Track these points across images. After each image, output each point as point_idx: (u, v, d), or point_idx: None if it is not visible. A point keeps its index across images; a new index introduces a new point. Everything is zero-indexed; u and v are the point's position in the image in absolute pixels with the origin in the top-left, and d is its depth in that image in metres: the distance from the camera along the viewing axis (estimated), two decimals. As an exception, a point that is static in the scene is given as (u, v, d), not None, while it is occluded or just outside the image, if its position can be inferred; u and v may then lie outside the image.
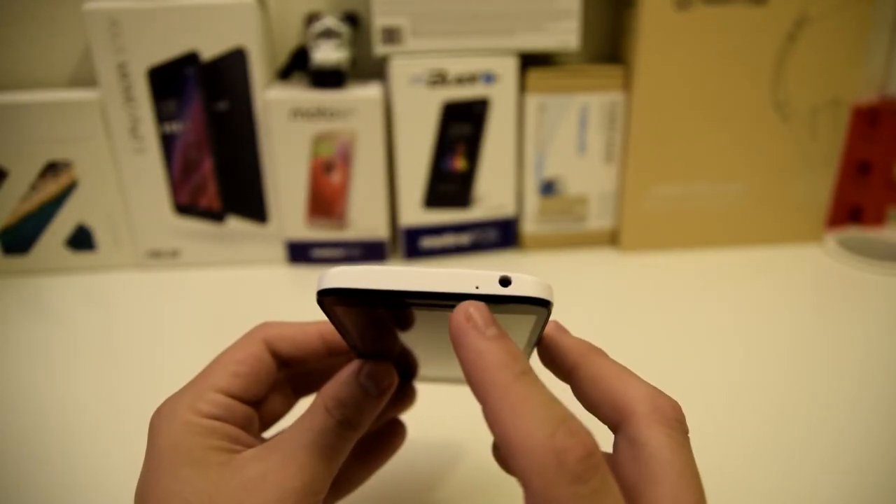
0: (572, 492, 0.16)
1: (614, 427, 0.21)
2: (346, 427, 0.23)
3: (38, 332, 0.48)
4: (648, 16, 0.52)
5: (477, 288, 0.19)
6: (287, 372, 0.27)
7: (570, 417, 0.18)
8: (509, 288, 0.19)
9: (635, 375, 0.21)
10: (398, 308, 0.21)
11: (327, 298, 0.20)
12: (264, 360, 0.25)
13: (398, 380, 0.25)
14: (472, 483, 0.33)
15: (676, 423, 0.20)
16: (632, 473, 0.19)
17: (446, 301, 0.20)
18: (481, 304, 0.19)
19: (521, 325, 0.21)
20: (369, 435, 0.28)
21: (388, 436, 0.29)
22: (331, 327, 0.27)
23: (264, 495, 0.21)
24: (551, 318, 0.22)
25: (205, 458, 0.22)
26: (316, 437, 0.22)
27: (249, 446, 0.23)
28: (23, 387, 0.42)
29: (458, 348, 0.19)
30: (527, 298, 0.19)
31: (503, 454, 0.17)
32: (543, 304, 0.20)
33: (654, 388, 0.21)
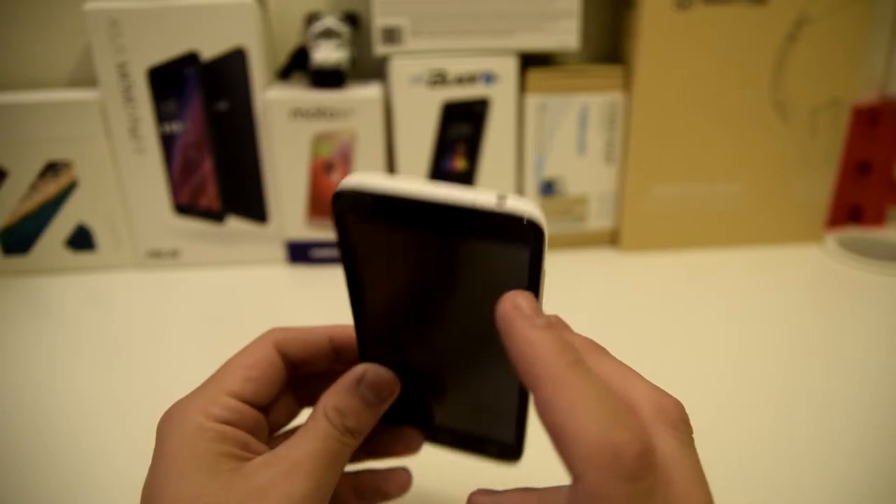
0: (627, 489, 0.16)
1: None
2: (347, 435, 0.23)
3: (38, 332, 0.48)
4: (648, 16, 0.52)
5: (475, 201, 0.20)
6: (294, 376, 0.27)
7: (626, 412, 0.17)
8: (505, 202, 0.19)
9: (638, 374, 0.21)
10: (409, 228, 0.21)
11: (343, 207, 0.21)
12: (275, 363, 0.25)
13: (399, 389, 0.25)
14: None
15: (682, 423, 0.19)
16: None
17: (452, 221, 0.20)
18: (528, 294, 0.19)
19: (517, 265, 0.21)
20: (368, 477, 0.28)
21: (387, 481, 0.28)
22: (339, 329, 0.27)
23: (272, 503, 0.21)
24: (554, 312, 0.21)
25: (215, 464, 0.22)
26: (320, 445, 0.23)
27: (258, 453, 0.23)
28: (23, 387, 0.42)
29: (508, 338, 0.18)
30: (520, 218, 0.19)
31: (555, 444, 0.17)
32: (537, 234, 0.20)
33: (657, 388, 0.20)
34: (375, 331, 0.25)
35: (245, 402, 0.24)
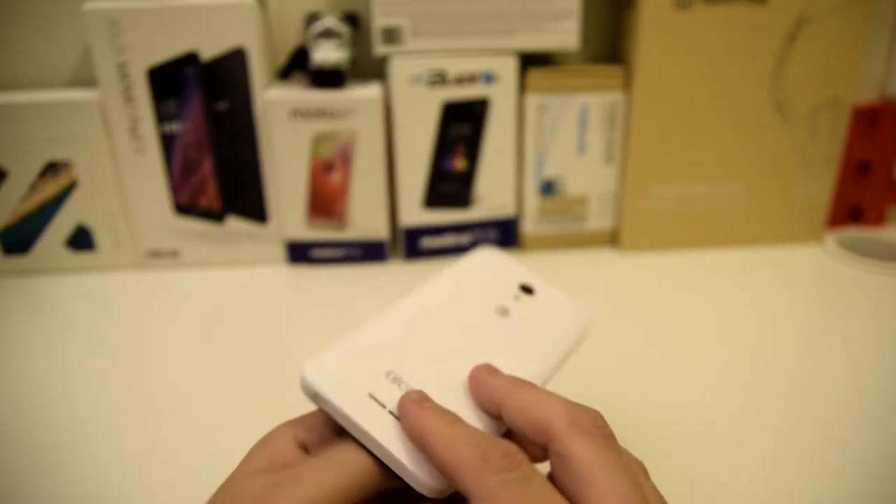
0: (501, 479, 0.20)
1: (543, 448, 0.22)
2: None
3: (38, 332, 0.48)
4: (648, 16, 0.52)
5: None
6: None
7: (492, 438, 0.22)
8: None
9: (555, 396, 0.23)
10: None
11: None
12: None
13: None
14: None
15: (595, 429, 0.22)
16: (568, 486, 0.21)
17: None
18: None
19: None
20: None
21: None
22: None
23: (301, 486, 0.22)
24: (480, 362, 0.27)
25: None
26: (330, 456, 0.23)
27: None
28: (22, 386, 0.42)
29: (405, 421, 0.23)
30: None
31: (449, 482, 0.22)
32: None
33: (571, 403, 0.22)
34: None
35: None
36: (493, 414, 0.25)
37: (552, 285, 0.32)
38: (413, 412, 0.23)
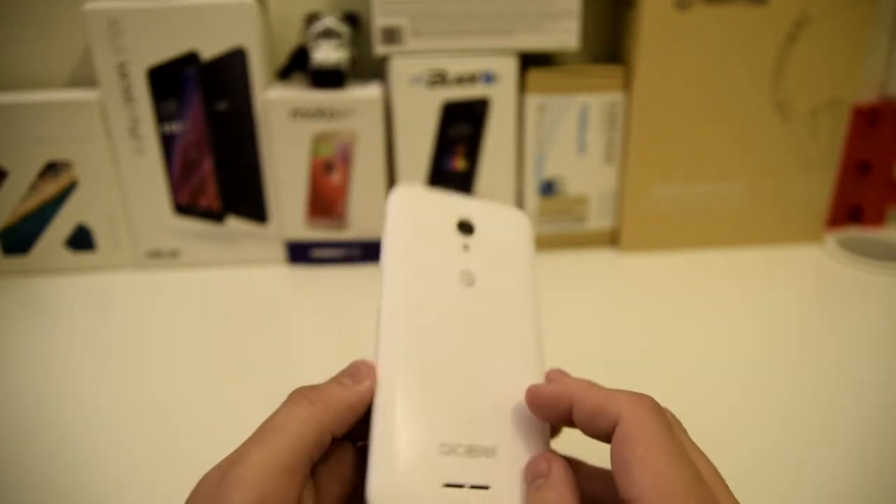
0: (652, 416, 0.22)
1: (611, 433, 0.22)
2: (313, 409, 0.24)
3: (38, 332, 0.48)
4: (648, 16, 0.52)
5: None
6: None
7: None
8: None
9: (622, 391, 0.23)
10: None
11: None
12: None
13: (373, 370, 0.25)
14: None
15: (658, 409, 0.22)
16: (627, 454, 0.21)
17: None
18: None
19: None
20: None
21: None
22: None
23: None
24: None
25: None
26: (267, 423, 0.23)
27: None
28: (22, 386, 0.42)
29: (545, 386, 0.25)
30: None
31: (596, 416, 0.22)
32: None
33: (635, 393, 0.23)
34: None
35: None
36: (556, 417, 0.25)
37: (479, 201, 0.31)
38: (558, 385, 0.25)
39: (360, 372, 0.25)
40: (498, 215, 0.31)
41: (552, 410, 0.24)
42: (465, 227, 0.30)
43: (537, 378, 0.27)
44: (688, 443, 0.23)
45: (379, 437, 0.23)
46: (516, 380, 0.26)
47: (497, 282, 0.29)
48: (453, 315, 0.27)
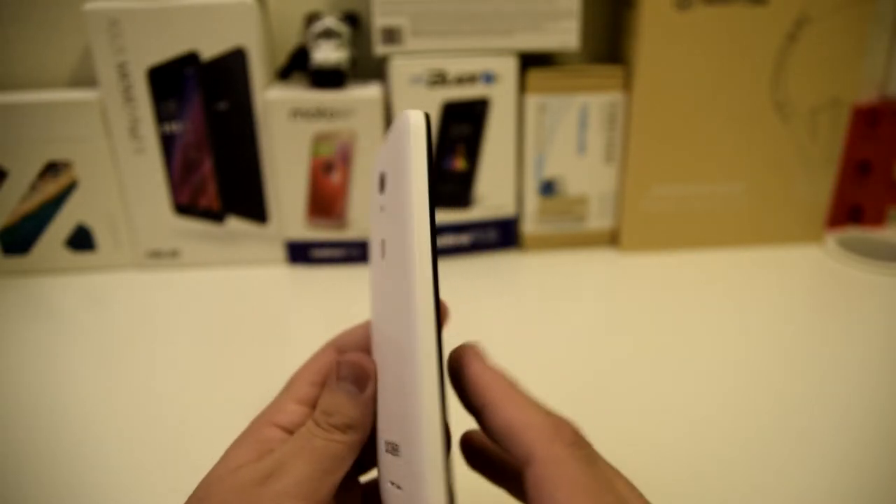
0: (572, 451, 0.20)
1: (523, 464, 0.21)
2: (337, 432, 0.23)
3: (38, 332, 0.48)
4: (648, 16, 0.52)
5: None
6: None
7: (557, 413, 0.22)
8: None
9: (538, 413, 0.22)
10: None
11: None
12: None
13: (374, 366, 0.24)
14: None
15: (577, 441, 0.21)
16: (542, 493, 0.20)
17: None
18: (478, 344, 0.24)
19: None
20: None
21: None
22: None
23: (262, 500, 0.21)
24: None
25: (251, 453, 0.23)
26: (304, 443, 0.23)
27: None
28: (22, 387, 0.42)
29: (465, 373, 0.23)
30: None
31: (506, 441, 0.21)
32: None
33: (551, 421, 0.21)
34: None
35: (307, 405, 0.25)
36: (472, 405, 0.23)
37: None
38: (476, 367, 0.23)
39: (365, 374, 0.24)
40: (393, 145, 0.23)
41: (466, 392, 0.23)
42: (382, 182, 0.24)
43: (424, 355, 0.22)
44: (608, 470, 0.22)
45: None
46: (408, 362, 0.22)
47: (394, 248, 0.23)
48: (380, 296, 0.24)
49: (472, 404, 0.23)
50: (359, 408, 0.24)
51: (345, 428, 0.23)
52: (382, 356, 0.24)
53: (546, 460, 0.20)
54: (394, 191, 0.22)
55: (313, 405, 0.25)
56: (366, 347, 0.26)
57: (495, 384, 0.22)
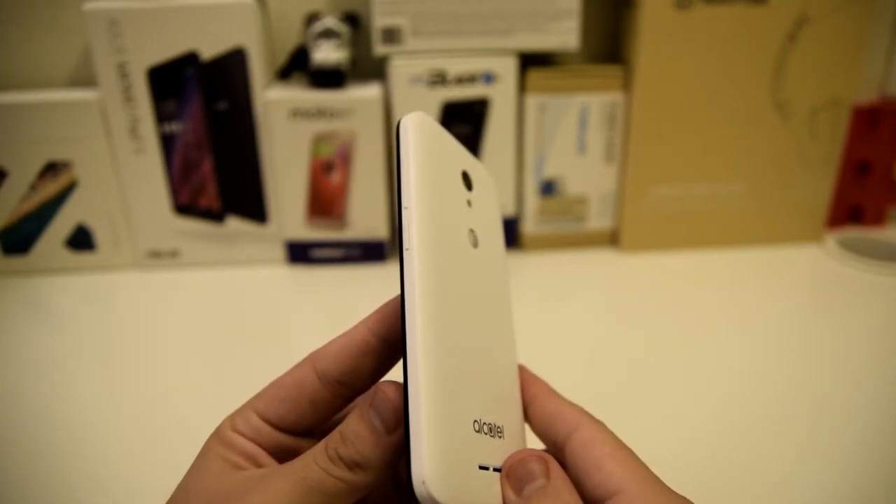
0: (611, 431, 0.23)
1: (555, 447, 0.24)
2: (342, 468, 0.21)
3: (38, 332, 0.48)
4: (648, 16, 0.52)
5: None
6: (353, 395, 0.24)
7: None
8: None
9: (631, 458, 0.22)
10: None
11: None
12: (306, 386, 0.24)
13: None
14: None
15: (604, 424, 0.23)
16: (588, 462, 0.22)
17: None
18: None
19: None
20: None
21: None
22: (378, 321, 0.24)
23: None
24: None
25: (213, 465, 0.23)
26: (299, 471, 0.21)
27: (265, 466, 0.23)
28: (22, 387, 0.42)
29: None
30: None
31: (552, 419, 0.24)
32: None
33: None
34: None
35: (267, 421, 0.24)
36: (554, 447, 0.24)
37: (466, 150, 0.27)
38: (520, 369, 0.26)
39: (392, 414, 0.21)
40: (480, 171, 0.28)
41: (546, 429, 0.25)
42: (467, 181, 0.26)
43: (515, 351, 0.27)
44: None
45: (418, 422, 0.19)
46: (508, 355, 0.26)
47: (489, 245, 0.26)
48: (469, 279, 0.24)
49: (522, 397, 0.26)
50: (378, 448, 0.21)
51: (352, 465, 0.21)
52: (469, 332, 0.23)
53: (594, 426, 0.22)
54: (486, 220, 0.27)
55: (269, 421, 0.23)
56: (347, 359, 0.24)
57: (539, 382, 0.26)
